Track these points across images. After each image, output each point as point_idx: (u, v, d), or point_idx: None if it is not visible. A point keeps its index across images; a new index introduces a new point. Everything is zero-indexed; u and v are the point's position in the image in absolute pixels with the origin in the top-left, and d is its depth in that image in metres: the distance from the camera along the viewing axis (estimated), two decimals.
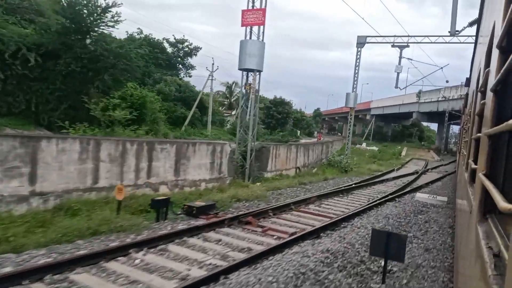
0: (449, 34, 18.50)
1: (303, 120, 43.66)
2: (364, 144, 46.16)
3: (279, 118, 31.53)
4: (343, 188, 12.28)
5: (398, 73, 26.23)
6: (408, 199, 11.23)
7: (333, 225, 7.14)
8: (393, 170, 21.52)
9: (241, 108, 14.54)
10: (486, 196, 1.64)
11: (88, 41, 11.06)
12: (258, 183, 12.52)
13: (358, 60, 25.49)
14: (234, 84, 41.64)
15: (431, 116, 49.95)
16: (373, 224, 7.17)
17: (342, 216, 7.81)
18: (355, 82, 25.89)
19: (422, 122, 65.57)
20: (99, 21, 11.24)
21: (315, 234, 6.47)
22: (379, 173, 19.34)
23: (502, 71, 1.40)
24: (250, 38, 12.77)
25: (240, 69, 13.13)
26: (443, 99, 40.70)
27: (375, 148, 41.76)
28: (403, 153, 40.87)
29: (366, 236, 5.92)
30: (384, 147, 45.47)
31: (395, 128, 70.19)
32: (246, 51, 12.60)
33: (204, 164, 11.32)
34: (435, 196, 11.12)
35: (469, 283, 1.86)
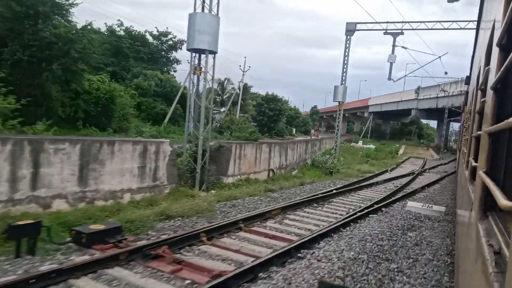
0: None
1: (297, 117, 46.80)
2: (360, 142, 50.01)
3: (270, 116, 33.93)
4: (320, 195, 11.86)
5: (391, 63, 26.88)
6: (397, 209, 10.85)
7: (286, 255, 5.96)
8: (386, 171, 22.28)
9: (192, 99, 14.31)
10: (486, 193, 1.88)
11: (40, 26, 11.10)
12: (212, 191, 12.19)
13: (347, 50, 26.21)
14: (226, 81, 45.44)
15: (430, 113, 54.33)
16: (342, 253, 6.02)
17: (303, 240, 6.67)
18: (344, 74, 26.60)
19: (421, 120, 70.79)
20: (54, 7, 11.53)
21: (250, 274, 5.15)
22: (370, 174, 19.80)
23: (502, 69, 1.59)
24: (203, 11, 12.20)
25: (188, 50, 12.60)
26: (443, 95, 44.08)
27: (372, 146, 44.79)
28: (401, 151, 43.52)
29: (326, 276, 4.99)
30: (381, 145, 49.16)
31: (394, 125, 76.42)
32: (195, 27, 11.88)
33: (130, 169, 10.05)
34: (430, 205, 10.80)
35: (470, 280, 2.13)
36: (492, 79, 1.93)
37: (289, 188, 13.83)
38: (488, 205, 1.85)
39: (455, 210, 9.65)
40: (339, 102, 26.73)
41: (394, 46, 25.80)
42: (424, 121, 76.65)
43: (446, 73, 32.27)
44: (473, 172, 2.79)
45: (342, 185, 14.83)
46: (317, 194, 12.01)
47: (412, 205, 10.95)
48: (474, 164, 2.74)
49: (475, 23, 13.30)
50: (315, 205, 10.83)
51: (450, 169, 26.41)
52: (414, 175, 20.03)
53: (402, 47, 25.92)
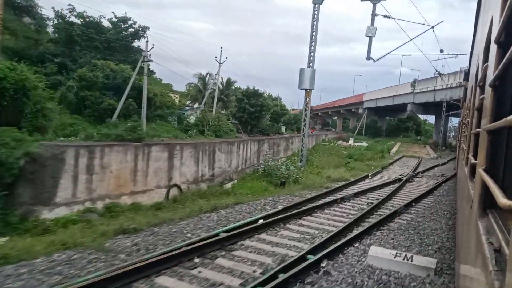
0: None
1: (283, 114, 45.92)
2: (351, 140, 50.40)
3: (251, 112, 32.90)
4: (220, 235, 7.85)
5: (370, 38, 21.91)
6: (353, 258, 7.09)
7: None
8: (366, 177, 19.48)
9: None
10: (486, 191, 1.97)
11: None
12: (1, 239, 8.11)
13: (315, 22, 22.71)
14: (208, 76, 45.48)
15: (427, 107, 55.47)
16: None
17: None
18: (312, 54, 23.25)
19: (419, 115, 72.46)
20: None
21: None
22: (342, 183, 16.90)
23: (500, 66, 1.72)
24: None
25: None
26: (440, 87, 44.51)
27: (364, 144, 46.31)
28: (394, 149, 43.96)
29: None
30: (376, 142, 51.86)
31: (391, 122, 78.30)
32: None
33: None
34: (409, 256, 6.63)
35: (470, 278, 2.16)
36: (490, 76, 1.94)
37: (183, 219, 9.77)
38: (488, 202, 1.90)
39: (454, 257, 7.01)
40: (306, 90, 23.20)
41: (373, 15, 21.22)
42: (422, 117, 79.34)
43: (441, 51, 27.18)
44: (473, 169, 2.84)
45: (285, 205, 11.47)
46: (217, 235, 7.93)
47: (376, 253, 6.86)
48: (473, 161, 2.77)
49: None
50: (195, 260, 6.71)
51: (448, 171, 24.23)
52: (402, 182, 17.57)
53: (385, 16, 21.15)
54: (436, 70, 37.00)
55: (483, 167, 2.05)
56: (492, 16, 2.41)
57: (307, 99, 22.73)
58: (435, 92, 46.14)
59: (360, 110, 75.50)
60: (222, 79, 44.09)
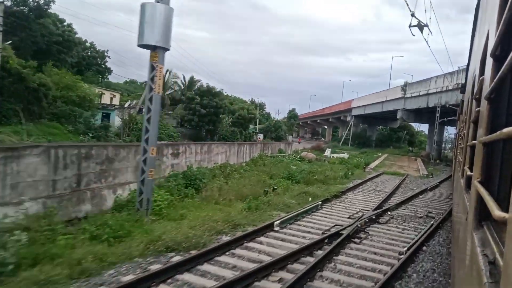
0: None
1: (251, 118, 38.61)
2: (328, 151, 43.60)
3: (203, 115, 27.59)
4: None
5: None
6: None
7: None
8: (272, 225, 10.20)
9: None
10: (481, 203, 1.95)
11: None
12: None
13: None
14: (168, 74, 39.18)
15: (420, 114, 49.03)
16: None
17: None
18: None
19: (410, 123, 66.11)
20: None
21: None
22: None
23: (496, 79, 1.73)
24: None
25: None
26: (434, 91, 38.58)
27: (345, 155, 40.70)
28: (376, 163, 36.71)
29: None
30: (362, 154, 46.99)
31: (382, 131, 73.00)
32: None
33: None
34: None
35: None
36: (486, 89, 1.98)
37: None
38: (483, 214, 1.91)
39: None
40: (153, 48, 10.99)
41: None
42: (415, 126, 74.24)
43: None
44: (469, 181, 2.86)
45: None
46: None
47: None
48: (469, 173, 2.80)
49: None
50: None
51: (441, 203, 16.61)
52: (333, 244, 8.53)
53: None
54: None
55: (478, 179, 2.07)
56: (488, 30, 2.46)
57: (155, 68, 10.79)
58: (428, 96, 39.93)
59: (348, 118, 70.37)
60: (184, 78, 39.13)
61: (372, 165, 33.63)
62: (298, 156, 34.01)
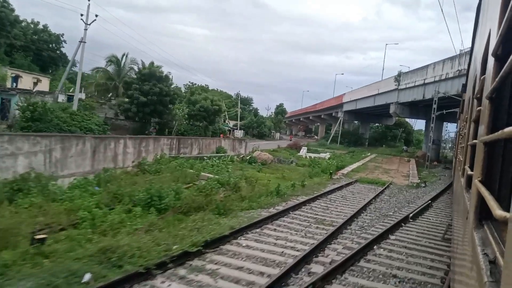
0: None
1: (215, 112, 32.60)
2: (303, 150, 39.14)
3: (145, 104, 22.50)
4: None
5: None
6: None
7: None
8: None
9: None
10: (482, 202, 1.96)
11: None
12: None
13: None
14: (124, 57, 35.09)
15: (416, 108, 43.25)
16: None
17: None
18: None
19: (405, 118, 60.39)
20: None
21: None
22: None
23: (497, 78, 1.75)
24: None
25: None
26: (432, 80, 33.25)
27: (326, 155, 35.19)
28: (357, 165, 31.30)
29: None
30: (350, 153, 43.06)
31: (378, 129, 68.19)
32: None
33: None
34: None
35: None
36: (487, 88, 1.99)
37: None
38: (483, 214, 1.91)
39: None
40: None
41: None
42: (412, 123, 68.97)
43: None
44: (469, 180, 2.86)
45: None
46: None
47: None
48: (469, 172, 2.81)
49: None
50: None
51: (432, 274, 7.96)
52: None
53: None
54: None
55: (479, 179, 2.08)
56: (490, 29, 2.46)
57: None
58: (424, 87, 34.74)
59: (339, 114, 63.86)
60: (143, 63, 32.57)
61: (349, 168, 27.33)
62: (249, 157, 26.94)
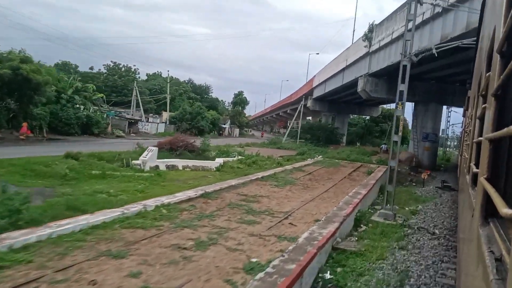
0: None
1: (31, 83, 21.49)
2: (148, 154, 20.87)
3: None
4: None
5: None
6: None
7: None
8: None
9: None
10: (487, 200, 1.96)
11: None
12: None
13: None
14: None
15: (395, 81, 15.28)
16: None
17: None
18: None
19: (379, 97, 29.32)
20: None
21: None
22: None
23: (503, 76, 1.74)
24: None
25: None
26: (419, 20, 16.84)
27: (233, 158, 22.09)
28: (235, 181, 13.16)
29: None
30: (299, 155, 28.74)
31: (363, 122, 53.24)
32: None
33: None
34: None
35: (471, 286, 2.18)
36: (493, 85, 1.99)
37: None
38: (489, 211, 1.91)
39: None
40: None
41: None
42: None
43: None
44: (475, 178, 2.87)
45: None
46: None
47: None
48: (475, 170, 2.81)
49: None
50: None
51: None
52: None
53: None
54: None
55: (485, 176, 2.08)
56: (495, 26, 2.44)
57: None
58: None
59: (309, 104, 48.34)
60: None
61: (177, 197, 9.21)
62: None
